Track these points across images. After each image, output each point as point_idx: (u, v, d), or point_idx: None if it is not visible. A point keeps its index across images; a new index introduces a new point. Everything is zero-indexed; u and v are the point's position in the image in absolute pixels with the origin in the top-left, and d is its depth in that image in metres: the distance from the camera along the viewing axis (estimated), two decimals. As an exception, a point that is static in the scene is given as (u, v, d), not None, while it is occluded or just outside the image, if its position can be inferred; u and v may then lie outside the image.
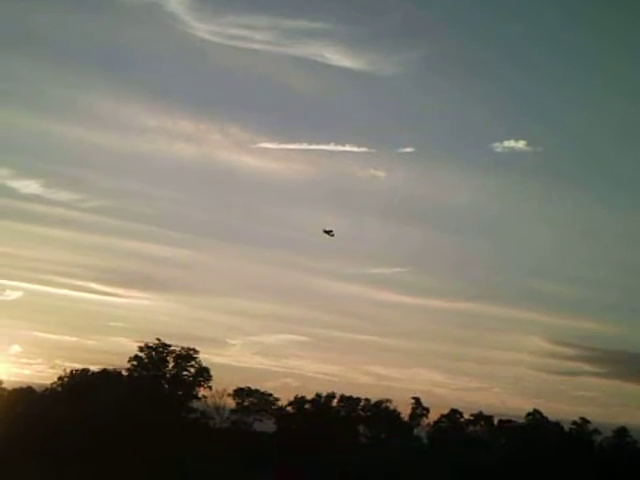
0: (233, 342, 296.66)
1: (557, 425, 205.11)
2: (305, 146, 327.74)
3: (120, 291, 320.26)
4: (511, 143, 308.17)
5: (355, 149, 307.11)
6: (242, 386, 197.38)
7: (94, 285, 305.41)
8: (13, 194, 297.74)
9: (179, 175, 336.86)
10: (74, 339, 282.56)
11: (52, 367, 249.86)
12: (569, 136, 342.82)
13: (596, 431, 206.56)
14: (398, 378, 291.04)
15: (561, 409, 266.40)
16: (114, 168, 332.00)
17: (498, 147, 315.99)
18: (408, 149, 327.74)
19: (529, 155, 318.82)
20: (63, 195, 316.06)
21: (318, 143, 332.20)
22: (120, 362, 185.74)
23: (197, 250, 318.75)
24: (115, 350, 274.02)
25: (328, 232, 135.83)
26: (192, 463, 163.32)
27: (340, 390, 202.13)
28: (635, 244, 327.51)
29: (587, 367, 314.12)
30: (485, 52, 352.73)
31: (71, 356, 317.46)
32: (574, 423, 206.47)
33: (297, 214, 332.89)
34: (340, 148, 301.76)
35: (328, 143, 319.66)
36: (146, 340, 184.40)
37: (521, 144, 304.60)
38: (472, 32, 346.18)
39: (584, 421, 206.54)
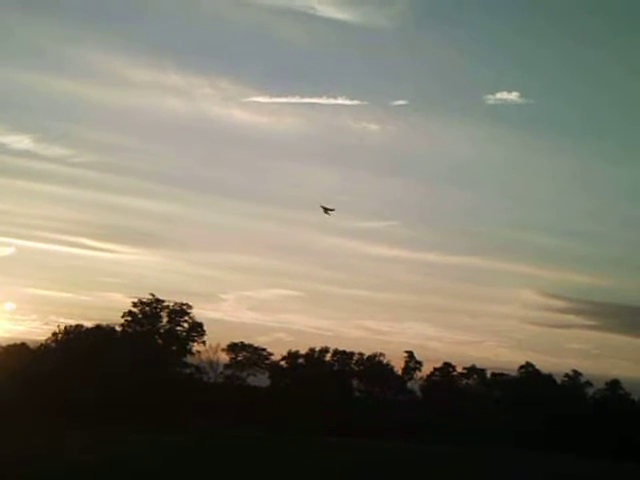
0: (226, 297, 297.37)
1: (549, 377, 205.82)
2: (297, 99, 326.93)
3: (113, 247, 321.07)
4: (504, 95, 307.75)
5: (348, 102, 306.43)
6: (235, 341, 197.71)
7: (87, 241, 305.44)
8: (4, 150, 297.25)
9: (171, 129, 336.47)
10: (68, 295, 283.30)
11: (46, 323, 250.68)
12: (562, 87, 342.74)
13: (588, 383, 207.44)
14: (391, 332, 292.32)
15: (553, 362, 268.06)
16: (106, 123, 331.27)
17: (490, 99, 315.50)
18: (400, 102, 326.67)
19: (522, 107, 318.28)
20: (55, 150, 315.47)
21: (310, 96, 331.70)
22: (114, 318, 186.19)
23: (190, 205, 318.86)
24: (109, 306, 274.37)
25: (327, 210, 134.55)
26: (190, 418, 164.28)
27: (333, 344, 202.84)
28: (629, 198, 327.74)
29: (579, 320, 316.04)
30: (478, 4, 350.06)
31: (65, 312, 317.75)
32: (566, 375, 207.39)
33: (289, 168, 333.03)
34: (332, 101, 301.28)
35: (320, 96, 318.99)
36: (140, 296, 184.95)
37: (514, 96, 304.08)
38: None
39: (576, 373, 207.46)
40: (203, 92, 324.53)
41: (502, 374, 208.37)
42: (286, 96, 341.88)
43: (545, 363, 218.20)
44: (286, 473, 73.79)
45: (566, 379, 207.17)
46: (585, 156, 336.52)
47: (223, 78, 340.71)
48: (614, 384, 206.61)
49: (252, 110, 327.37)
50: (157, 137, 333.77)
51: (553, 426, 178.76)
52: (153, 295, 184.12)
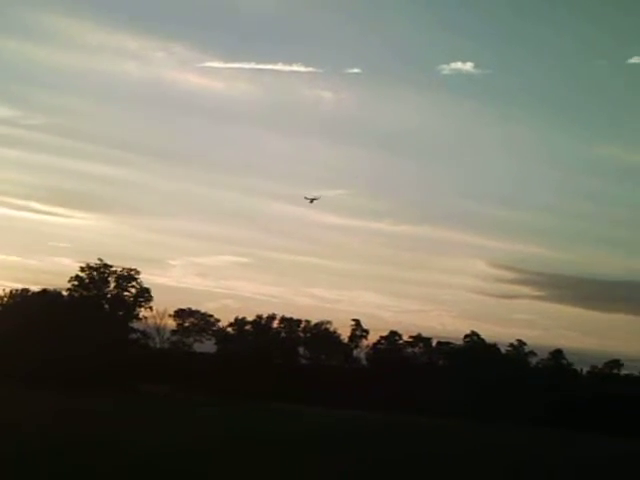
0: (174, 263, 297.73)
1: (494, 346, 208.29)
2: (252, 65, 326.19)
3: (62, 211, 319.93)
4: (458, 65, 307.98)
5: (302, 69, 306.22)
6: (183, 307, 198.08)
7: (36, 204, 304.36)
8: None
9: (123, 93, 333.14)
10: (15, 259, 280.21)
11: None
12: (516, 59, 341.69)
13: (532, 353, 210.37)
14: (339, 300, 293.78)
15: (500, 331, 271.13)
16: (57, 85, 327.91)
17: (445, 69, 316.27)
18: (355, 70, 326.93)
19: (476, 77, 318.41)
20: (4, 111, 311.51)
21: (265, 62, 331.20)
22: (62, 282, 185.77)
23: (140, 170, 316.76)
24: (57, 270, 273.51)
25: (312, 200, 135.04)
26: (134, 383, 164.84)
27: (280, 312, 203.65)
28: (581, 170, 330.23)
29: (527, 290, 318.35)
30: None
31: (11, 276, 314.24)
32: (511, 345, 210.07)
33: (242, 134, 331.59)
34: (287, 68, 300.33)
35: (276, 63, 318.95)
36: (88, 260, 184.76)
37: (468, 66, 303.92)
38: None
39: (520, 343, 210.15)
40: (157, 56, 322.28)
41: (447, 343, 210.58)
42: (241, 62, 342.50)
43: (491, 333, 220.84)
44: (229, 439, 74.53)
45: (510, 349, 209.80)
46: (539, 128, 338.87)
47: (178, 42, 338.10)
48: (557, 354, 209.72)
49: (207, 75, 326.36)
50: (110, 101, 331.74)
51: (494, 395, 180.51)
52: (101, 260, 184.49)
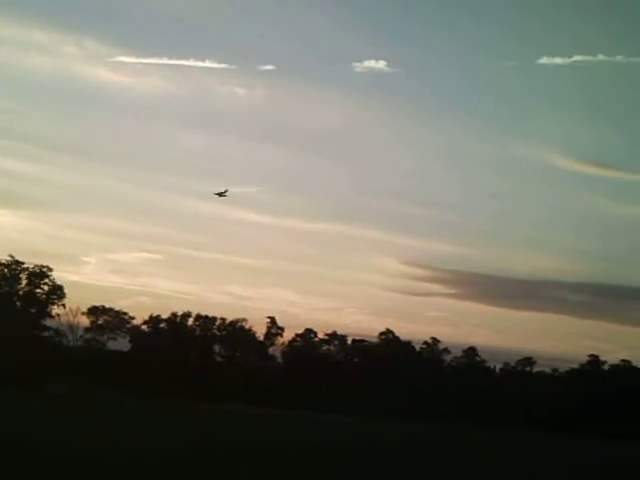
0: (87, 260, 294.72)
1: (408, 344, 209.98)
2: (164, 61, 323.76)
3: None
4: (371, 63, 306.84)
5: (215, 65, 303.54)
6: (96, 304, 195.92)
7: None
8: None
9: (32, 88, 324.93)
10: None
11: None
12: (429, 57, 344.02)
13: (446, 350, 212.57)
14: (254, 298, 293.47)
15: (413, 329, 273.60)
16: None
17: (358, 67, 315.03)
18: (269, 67, 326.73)
19: (389, 76, 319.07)
20: None
21: (178, 58, 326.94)
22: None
23: (50, 165, 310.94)
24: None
25: (221, 194, 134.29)
26: (44, 381, 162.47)
27: (195, 309, 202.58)
28: (490, 169, 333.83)
29: (439, 288, 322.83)
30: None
31: None
32: (425, 343, 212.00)
33: (155, 131, 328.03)
34: (200, 64, 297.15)
35: (188, 58, 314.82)
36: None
37: (381, 64, 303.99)
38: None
39: (434, 340, 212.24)
40: (68, 50, 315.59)
41: (362, 340, 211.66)
42: (153, 57, 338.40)
43: (405, 330, 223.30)
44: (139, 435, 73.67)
45: (425, 346, 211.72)
46: (449, 127, 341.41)
47: (88, 36, 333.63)
48: (471, 351, 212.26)
49: (118, 70, 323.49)
50: (19, 95, 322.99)
51: (408, 392, 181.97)
52: (12, 257, 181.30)
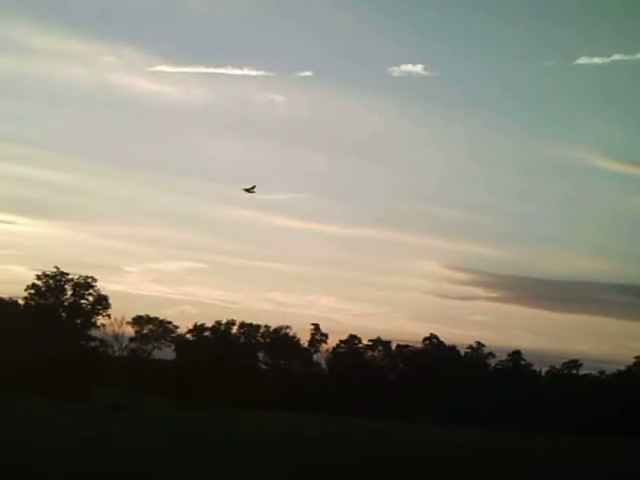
0: (130, 270, 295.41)
1: (453, 349, 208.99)
2: (202, 69, 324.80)
3: (15, 218, 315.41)
4: (408, 67, 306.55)
5: (253, 72, 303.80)
6: (140, 314, 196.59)
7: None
8: None
9: (73, 98, 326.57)
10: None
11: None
12: (466, 60, 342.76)
13: (491, 354, 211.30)
14: (296, 304, 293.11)
15: (456, 333, 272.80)
16: (4, 91, 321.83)
17: (395, 71, 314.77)
18: (306, 73, 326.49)
19: (426, 79, 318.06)
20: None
21: (215, 66, 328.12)
22: (14, 291, 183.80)
23: (91, 176, 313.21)
24: (9, 278, 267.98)
25: (249, 190, 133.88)
26: (93, 391, 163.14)
27: (239, 317, 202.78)
28: (530, 171, 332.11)
29: (481, 291, 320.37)
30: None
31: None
32: (470, 347, 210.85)
33: (195, 139, 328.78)
34: (238, 72, 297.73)
35: (226, 67, 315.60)
36: (42, 268, 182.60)
37: (418, 68, 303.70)
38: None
39: (479, 344, 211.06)
40: (106, 60, 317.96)
41: (407, 346, 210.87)
42: (191, 66, 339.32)
43: (448, 334, 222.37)
44: (188, 444, 73.47)
45: (469, 350, 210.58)
46: (487, 130, 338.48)
47: (127, 46, 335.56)
48: (516, 355, 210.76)
49: (157, 79, 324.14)
50: (58, 106, 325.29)
51: (454, 397, 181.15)
52: (57, 268, 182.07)
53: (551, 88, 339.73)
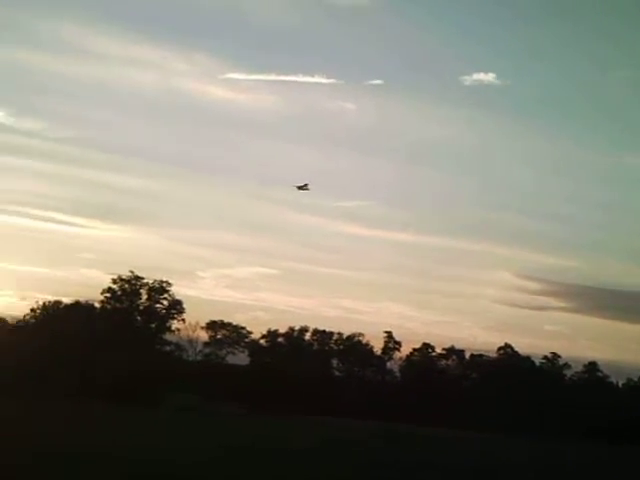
0: (203, 275, 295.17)
1: (528, 359, 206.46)
2: (274, 77, 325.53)
3: (91, 222, 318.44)
4: (480, 76, 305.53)
5: (324, 80, 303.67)
6: (214, 319, 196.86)
7: (62, 216, 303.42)
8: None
9: (145, 104, 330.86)
10: (44, 270, 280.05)
11: (23, 298, 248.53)
12: (539, 68, 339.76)
13: (566, 365, 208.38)
14: (367, 312, 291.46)
15: (530, 343, 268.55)
16: (80, 97, 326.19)
17: (467, 80, 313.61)
18: (377, 81, 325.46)
19: (498, 88, 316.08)
20: (27, 124, 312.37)
21: (287, 74, 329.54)
22: (90, 294, 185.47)
23: (166, 181, 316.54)
24: (85, 282, 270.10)
25: (301, 187, 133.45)
26: (168, 394, 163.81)
27: (310, 323, 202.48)
28: (604, 181, 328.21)
29: (554, 301, 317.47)
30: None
31: (41, 287, 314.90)
32: (545, 357, 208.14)
33: (266, 146, 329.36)
34: (309, 79, 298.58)
35: (297, 74, 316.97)
36: (117, 272, 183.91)
37: (490, 77, 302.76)
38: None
39: (555, 355, 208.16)
40: (179, 67, 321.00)
41: (480, 355, 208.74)
42: (262, 73, 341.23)
43: (522, 344, 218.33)
44: (264, 451, 73.03)
45: (545, 361, 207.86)
46: (561, 138, 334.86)
47: (199, 53, 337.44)
48: (592, 366, 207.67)
49: (228, 86, 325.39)
50: (131, 112, 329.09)
51: (533, 409, 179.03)
52: (132, 272, 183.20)
53: (631, 98, 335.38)
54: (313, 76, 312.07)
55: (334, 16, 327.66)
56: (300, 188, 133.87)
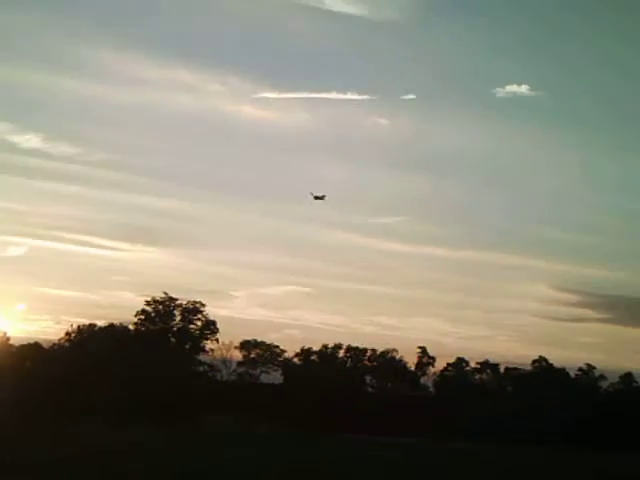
0: (237, 294, 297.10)
1: (563, 371, 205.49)
2: (306, 95, 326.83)
3: (123, 245, 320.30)
4: (513, 88, 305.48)
5: (357, 97, 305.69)
6: (248, 338, 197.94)
7: (97, 239, 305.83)
8: (13, 148, 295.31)
9: (179, 127, 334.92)
10: (79, 294, 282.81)
11: (58, 323, 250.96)
12: (573, 80, 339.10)
13: (602, 377, 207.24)
14: (402, 327, 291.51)
15: (566, 355, 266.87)
16: (115, 121, 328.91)
17: (500, 92, 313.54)
18: (410, 96, 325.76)
19: (532, 100, 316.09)
20: (64, 149, 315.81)
21: (319, 92, 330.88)
22: (125, 316, 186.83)
23: (199, 202, 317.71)
24: (120, 304, 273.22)
25: (317, 197, 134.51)
26: (203, 415, 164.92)
27: (344, 341, 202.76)
28: (635, 190, 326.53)
29: (591, 313, 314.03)
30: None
31: (76, 311, 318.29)
32: (580, 369, 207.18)
33: (300, 164, 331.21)
34: (342, 96, 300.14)
35: (330, 91, 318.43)
36: (151, 294, 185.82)
37: (523, 89, 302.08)
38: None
39: (590, 367, 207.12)
40: (213, 88, 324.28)
41: (515, 368, 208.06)
42: (295, 91, 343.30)
43: (557, 356, 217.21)
44: (301, 468, 73.80)
45: (580, 373, 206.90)
46: (595, 150, 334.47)
47: (232, 74, 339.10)
48: (627, 377, 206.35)
49: (262, 106, 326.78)
50: (166, 134, 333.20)
51: (569, 421, 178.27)
52: (166, 293, 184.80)
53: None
54: (345, 93, 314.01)
55: (365, 32, 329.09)
56: (317, 198, 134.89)
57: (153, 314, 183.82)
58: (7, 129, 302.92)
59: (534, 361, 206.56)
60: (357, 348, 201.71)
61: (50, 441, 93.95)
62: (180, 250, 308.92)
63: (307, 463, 74.02)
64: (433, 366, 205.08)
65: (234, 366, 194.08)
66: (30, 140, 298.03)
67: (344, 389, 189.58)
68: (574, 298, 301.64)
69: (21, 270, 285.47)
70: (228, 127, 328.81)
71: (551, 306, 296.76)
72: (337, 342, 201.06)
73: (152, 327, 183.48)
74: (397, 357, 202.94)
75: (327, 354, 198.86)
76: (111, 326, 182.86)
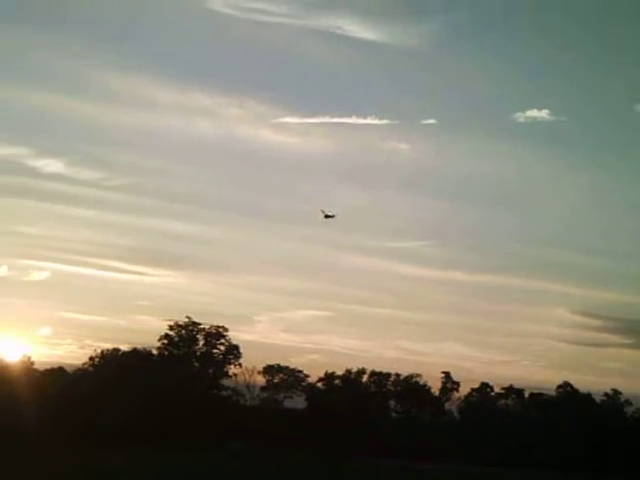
0: (260, 319, 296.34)
1: (588, 396, 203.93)
2: (326, 120, 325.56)
3: (146, 269, 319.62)
4: (534, 113, 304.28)
5: (377, 122, 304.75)
6: (271, 363, 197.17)
7: (120, 264, 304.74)
8: (35, 173, 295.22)
9: (200, 151, 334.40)
10: (103, 319, 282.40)
11: (82, 347, 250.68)
12: (594, 104, 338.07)
13: (627, 402, 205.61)
14: (425, 352, 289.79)
15: (590, 381, 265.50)
16: (135, 145, 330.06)
17: (520, 117, 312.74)
18: (430, 121, 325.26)
19: (552, 124, 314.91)
20: (85, 174, 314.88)
21: (339, 116, 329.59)
22: (148, 341, 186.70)
23: (220, 226, 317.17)
24: (143, 329, 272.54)
25: (328, 216, 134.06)
26: (228, 440, 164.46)
27: (367, 365, 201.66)
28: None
29: (613, 338, 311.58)
30: (506, 21, 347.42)
31: (100, 336, 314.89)
32: (605, 395, 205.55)
33: (320, 189, 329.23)
34: (362, 121, 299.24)
35: (350, 116, 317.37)
36: (174, 318, 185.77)
37: (544, 113, 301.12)
38: (491, 1, 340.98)
39: (616, 392, 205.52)
40: (232, 113, 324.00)
41: (540, 394, 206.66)
42: (315, 116, 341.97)
43: (582, 382, 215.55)
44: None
45: (605, 398, 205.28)
46: (616, 175, 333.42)
47: (251, 99, 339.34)
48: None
49: (281, 131, 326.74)
50: (186, 159, 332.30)
51: (595, 447, 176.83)
52: (189, 318, 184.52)
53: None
54: (366, 118, 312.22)
55: (385, 58, 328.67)
56: (327, 216, 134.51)
57: (176, 338, 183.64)
58: (28, 154, 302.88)
59: (559, 386, 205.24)
60: (381, 373, 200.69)
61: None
62: (202, 274, 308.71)
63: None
64: (457, 391, 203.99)
65: (257, 391, 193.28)
66: (51, 165, 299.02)
67: (368, 414, 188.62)
68: (595, 323, 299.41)
69: (45, 295, 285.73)
70: (247, 151, 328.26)
71: (572, 330, 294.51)
72: (360, 367, 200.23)
73: (175, 351, 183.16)
74: (421, 382, 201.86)
75: (351, 379, 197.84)
76: (134, 350, 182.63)
